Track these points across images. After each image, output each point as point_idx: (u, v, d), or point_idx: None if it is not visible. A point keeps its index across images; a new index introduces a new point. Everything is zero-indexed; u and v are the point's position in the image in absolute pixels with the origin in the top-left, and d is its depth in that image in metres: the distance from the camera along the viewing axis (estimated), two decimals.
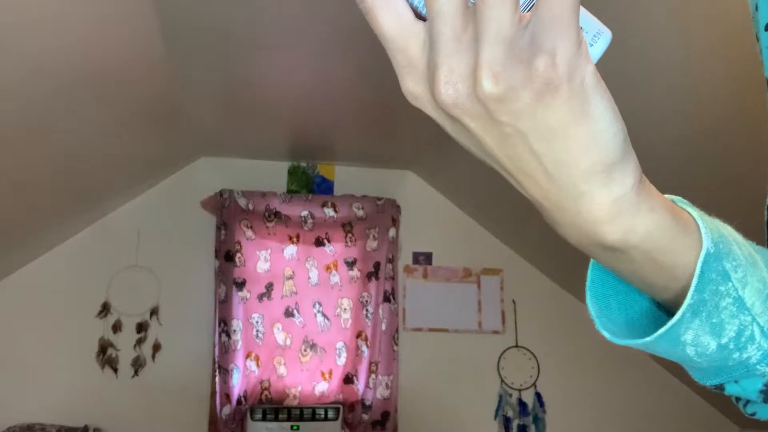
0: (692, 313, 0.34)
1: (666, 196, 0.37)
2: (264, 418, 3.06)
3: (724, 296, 0.34)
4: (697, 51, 1.83)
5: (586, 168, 0.31)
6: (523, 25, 0.29)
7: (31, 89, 2.00)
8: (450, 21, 0.29)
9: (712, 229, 0.35)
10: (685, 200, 0.37)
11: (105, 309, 3.24)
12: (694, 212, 0.36)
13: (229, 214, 3.35)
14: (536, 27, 0.29)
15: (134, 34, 2.03)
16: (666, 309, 0.40)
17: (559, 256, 3.50)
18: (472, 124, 0.32)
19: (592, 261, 0.39)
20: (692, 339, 0.35)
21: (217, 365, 3.19)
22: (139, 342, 3.24)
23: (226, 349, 3.20)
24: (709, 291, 0.34)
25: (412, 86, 0.32)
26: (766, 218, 0.51)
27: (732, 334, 0.35)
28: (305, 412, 3.11)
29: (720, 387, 0.40)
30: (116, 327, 3.23)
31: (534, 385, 3.51)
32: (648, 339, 0.35)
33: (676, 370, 3.57)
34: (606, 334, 0.38)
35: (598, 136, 0.31)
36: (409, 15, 0.32)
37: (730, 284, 0.34)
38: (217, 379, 3.17)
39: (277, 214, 3.41)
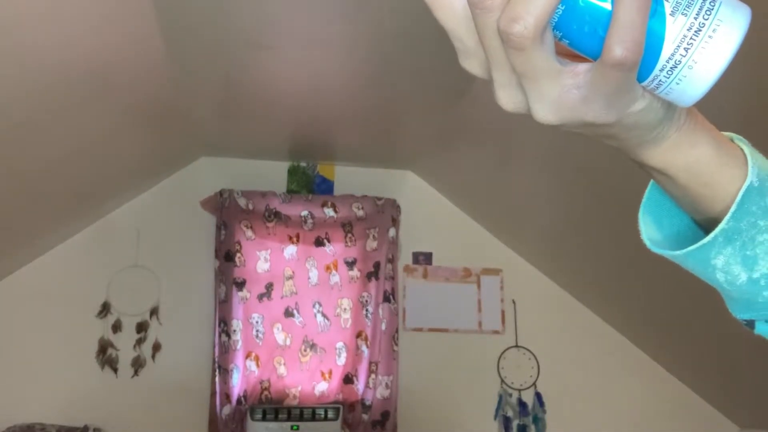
0: (725, 238, 0.35)
1: (725, 134, 0.39)
2: (264, 418, 3.06)
3: (763, 231, 0.36)
4: None
5: (633, 138, 0.35)
6: (573, 83, 0.31)
7: (31, 89, 2.00)
8: (502, 69, 0.32)
9: (761, 167, 0.36)
10: (743, 139, 0.39)
11: (105, 309, 3.24)
12: (747, 148, 0.37)
13: (229, 214, 3.35)
14: (590, 91, 0.31)
15: (134, 34, 2.03)
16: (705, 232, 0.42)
17: (558, 256, 3.50)
18: None
19: (651, 181, 0.42)
20: (723, 265, 0.36)
21: (217, 365, 3.19)
22: (139, 342, 3.24)
23: (226, 349, 3.20)
24: (746, 222, 0.35)
25: (468, 66, 0.35)
26: None
27: (764, 270, 0.36)
28: (305, 412, 3.11)
29: (750, 323, 0.41)
30: (116, 327, 3.23)
31: (534, 385, 3.51)
32: (678, 252, 0.38)
33: (676, 370, 3.57)
34: (647, 243, 0.41)
35: (643, 126, 0.34)
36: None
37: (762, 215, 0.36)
38: (217, 379, 3.17)
39: (277, 214, 3.41)
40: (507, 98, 0.33)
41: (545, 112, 0.32)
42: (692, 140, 0.36)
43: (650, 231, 0.42)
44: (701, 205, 0.38)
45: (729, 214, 0.35)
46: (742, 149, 0.37)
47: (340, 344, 3.39)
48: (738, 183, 0.36)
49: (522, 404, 3.47)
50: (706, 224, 0.40)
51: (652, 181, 0.42)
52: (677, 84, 0.31)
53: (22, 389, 3.07)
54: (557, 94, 0.31)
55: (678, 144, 0.35)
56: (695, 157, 0.36)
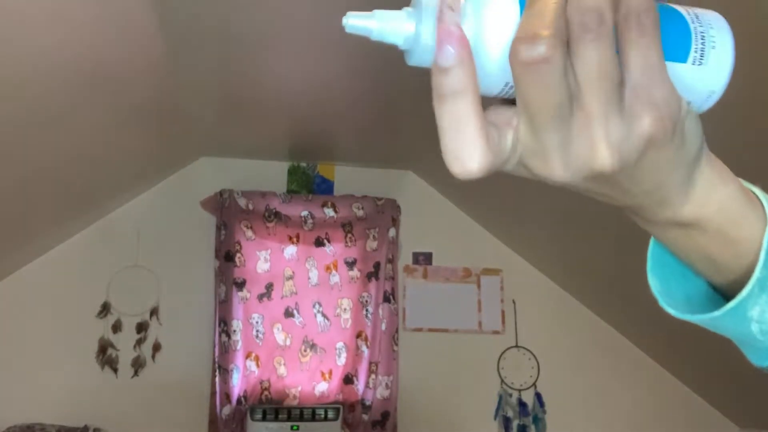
0: (760, 287, 0.34)
1: None
2: (264, 418, 3.06)
3: None
4: None
5: (676, 180, 0.33)
6: (621, 91, 0.30)
7: (30, 89, 2.00)
8: (564, 116, 0.30)
9: None
10: (746, 181, 0.38)
11: (105, 309, 3.24)
12: (758, 190, 0.37)
13: (229, 214, 3.35)
14: (634, 90, 0.30)
15: (134, 34, 2.03)
16: (722, 293, 0.41)
17: (558, 256, 3.50)
18: (580, 188, 0.33)
19: (652, 240, 0.40)
20: (758, 315, 0.35)
21: (217, 365, 3.19)
22: (139, 342, 3.24)
23: (226, 349, 3.20)
24: None
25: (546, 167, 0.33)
26: None
27: None
28: (305, 412, 3.11)
29: None
30: (116, 327, 3.23)
31: (534, 385, 3.51)
32: (717, 314, 0.36)
33: (676, 370, 3.57)
34: (671, 311, 0.39)
35: (687, 156, 0.33)
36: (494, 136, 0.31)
37: None
38: (217, 379, 3.17)
39: (277, 214, 3.41)
40: (569, 154, 0.30)
41: (612, 143, 0.30)
42: (722, 174, 0.35)
43: (665, 296, 0.40)
44: (724, 256, 0.36)
45: (761, 262, 0.34)
46: (752, 190, 0.37)
47: (340, 344, 3.39)
48: (760, 227, 0.35)
49: (522, 404, 3.47)
50: (722, 282, 0.39)
51: (652, 243, 0.40)
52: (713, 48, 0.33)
53: (22, 389, 3.07)
54: (620, 102, 0.30)
55: (711, 180, 0.34)
56: (728, 194, 0.35)
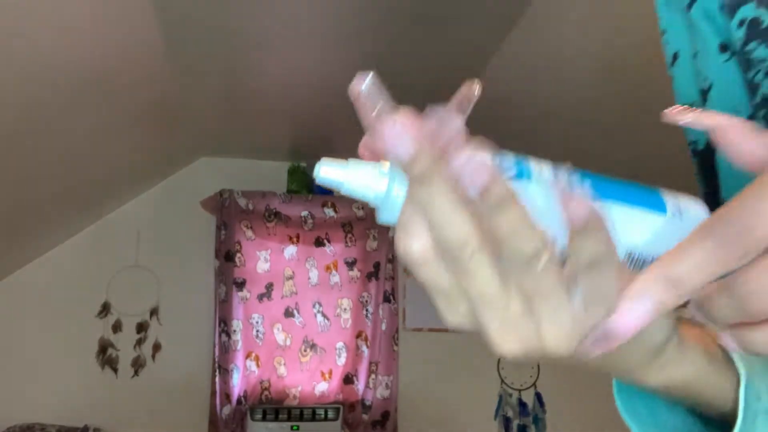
0: None
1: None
2: (264, 418, 3.07)
3: (760, 413, 0.36)
4: None
5: (636, 363, 0.34)
6: (571, 286, 0.29)
7: (31, 90, 2.00)
8: (497, 305, 0.30)
9: (740, 355, 0.36)
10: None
11: (105, 309, 3.24)
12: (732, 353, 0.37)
13: (229, 214, 3.35)
14: (587, 296, 0.29)
15: (134, 34, 2.03)
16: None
17: None
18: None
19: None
20: None
21: (217, 365, 3.19)
22: (139, 342, 3.24)
23: (226, 349, 3.20)
24: (751, 412, 0.35)
25: (451, 320, 0.32)
26: None
27: None
28: (305, 412, 3.11)
29: None
30: (116, 327, 3.23)
31: (534, 385, 3.51)
32: None
33: None
34: None
35: (649, 347, 0.33)
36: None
37: (763, 402, 0.36)
38: (217, 379, 3.17)
39: (277, 214, 3.41)
40: (518, 333, 0.30)
41: (564, 333, 0.29)
42: (690, 355, 0.35)
43: (642, 426, 0.40)
44: (692, 404, 0.37)
45: (740, 422, 0.35)
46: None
47: (340, 344, 3.39)
48: (728, 381, 0.36)
49: (522, 404, 3.47)
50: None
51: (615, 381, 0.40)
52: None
53: (22, 389, 3.07)
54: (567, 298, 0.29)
55: (679, 359, 0.34)
56: (694, 369, 0.35)
